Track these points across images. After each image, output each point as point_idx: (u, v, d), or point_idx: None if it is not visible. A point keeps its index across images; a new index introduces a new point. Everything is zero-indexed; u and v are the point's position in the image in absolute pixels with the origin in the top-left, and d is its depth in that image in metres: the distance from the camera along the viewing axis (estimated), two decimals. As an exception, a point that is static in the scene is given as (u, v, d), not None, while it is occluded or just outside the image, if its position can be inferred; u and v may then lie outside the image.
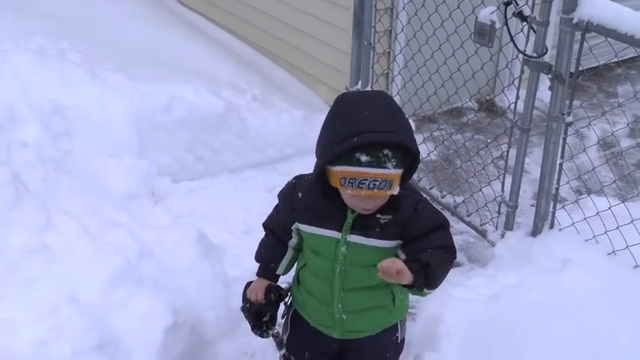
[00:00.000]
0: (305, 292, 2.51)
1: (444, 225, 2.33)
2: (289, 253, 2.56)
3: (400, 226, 2.27)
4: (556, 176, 3.82)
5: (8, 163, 3.85)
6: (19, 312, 2.94)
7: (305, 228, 2.37)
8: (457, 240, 4.27)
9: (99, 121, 4.39)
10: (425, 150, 4.75)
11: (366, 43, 4.75)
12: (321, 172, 2.18)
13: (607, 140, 5.19)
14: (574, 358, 2.85)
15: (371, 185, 2.08)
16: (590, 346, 2.93)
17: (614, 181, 4.34)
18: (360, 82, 4.91)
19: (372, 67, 4.88)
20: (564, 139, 3.73)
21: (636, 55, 6.03)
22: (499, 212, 4.18)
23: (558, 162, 3.77)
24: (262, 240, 2.61)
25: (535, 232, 3.94)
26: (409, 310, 2.65)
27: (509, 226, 4.11)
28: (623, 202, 3.66)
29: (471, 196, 4.41)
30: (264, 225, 2.59)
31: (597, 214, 3.58)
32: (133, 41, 5.46)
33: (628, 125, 4.59)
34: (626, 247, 3.40)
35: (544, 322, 3.13)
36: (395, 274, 2.11)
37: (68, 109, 4.38)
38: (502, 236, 4.08)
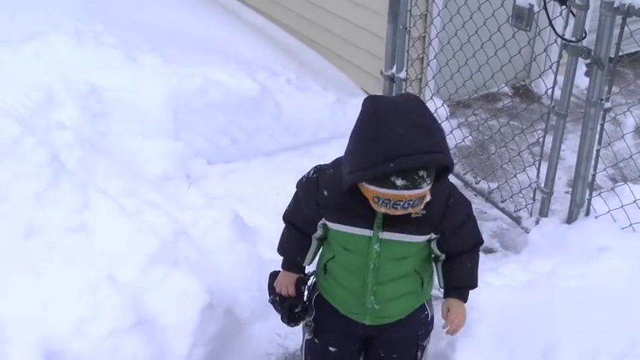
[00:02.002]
0: (334, 283, 2.49)
1: (471, 213, 2.44)
2: (314, 245, 2.54)
3: (433, 221, 2.28)
4: (592, 163, 3.78)
5: (47, 144, 3.90)
6: (58, 290, 2.99)
7: (334, 226, 2.34)
8: (491, 227, 4.29)
9: (135, 103, 4.43)
10: (460, 135, 4.73)
11: (401, 27, 4.72)
12: (352, 185, 2.12)
13: (643, 127, 5.11)
14: (609, 346, 2.82)
15: (406, 205, 2.08)
16: (626, 334, 2.90)
17: (652, 168, 4.27)
18: (395, 67, 4.89)
19: (407, 52, 4.85)
20: (602, 125, 3.69)
21: (676, 40, 5.92)
22: (534, 199, 4.16)
23: (595, 148, 3.74)
24: (284, 233, 2.58)
25: (570, 219, 3.91)
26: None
27: (543, 212, 4.08)
28: (661, 189, 3.62)
29: (506, 182, 4.38)
30: (285, 218, 2.56)
31: (634, 201, 3.55)
32: (168, 24, 5.48)
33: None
34: (664, 236, 3.37)
35: (578, 310, 3.11)
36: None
37: (104, 91, 4.43)
38: (536, 223, 4.06)
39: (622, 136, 4.06)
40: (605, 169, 3.98)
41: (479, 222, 4.26)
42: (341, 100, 5.00)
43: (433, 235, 2.34)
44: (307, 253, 2.54)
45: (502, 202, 4.32)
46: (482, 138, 4.96)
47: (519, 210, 4.23)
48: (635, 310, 2.97)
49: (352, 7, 5.35)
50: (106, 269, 3.14)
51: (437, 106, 4.79)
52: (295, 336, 3.30)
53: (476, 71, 4.50)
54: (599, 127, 3.70)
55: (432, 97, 4.87)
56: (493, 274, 3.49)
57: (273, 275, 2.62)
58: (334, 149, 4.73)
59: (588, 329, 2.94)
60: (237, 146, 4.52)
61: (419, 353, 2.59)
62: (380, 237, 2.26)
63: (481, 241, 2.49)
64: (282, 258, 2.61)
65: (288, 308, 2.55)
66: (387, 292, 2.41)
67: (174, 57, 4.82)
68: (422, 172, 2.00)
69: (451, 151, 4.39)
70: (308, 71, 5.36)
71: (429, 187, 2.06)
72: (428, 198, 2.12)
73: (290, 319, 2.56)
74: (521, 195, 4.26)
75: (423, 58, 5.09)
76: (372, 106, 2.06)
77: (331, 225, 2.34)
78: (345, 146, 2.12)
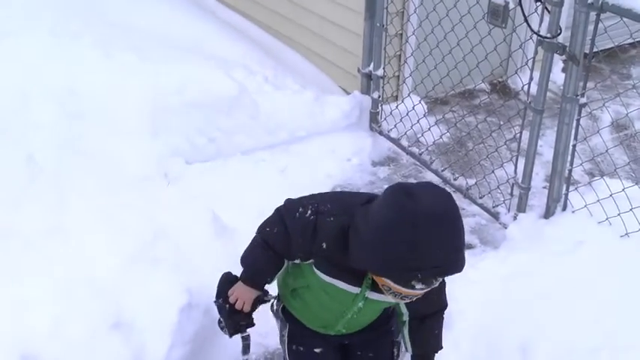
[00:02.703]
0: (303, 306, 2.44)
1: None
2: (284, 266, 2.41)
3: None
4: (569, 158, 3.81)
5: (22, 144, 3.88)
6: (35, 291, 2.98)
7: (322, 276, 2.24)
8: (470, 222, 4.31)
9: (112, 102, 4.41)
10: (437, 132, 4.74)
11: (378, 25, 4.73)
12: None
13: (620, 122, 5.16)
14: (586, 338, 2.85)
15: (414, 299, 2.08)
16: (602, 326, 2.94)
17: (628, 163, 4.32)
18: (372, 64, 4.90)
19: (385, 49, 4.86)
20: (578, 120, 3.71)
21: (651, 36, 5.99)
22: (511, 194, 4.18)
23: (571, 143, 3.76)
24: (257, 251, 2.36)
25: (547, 214, 3.94)
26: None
27: (521, 208, 4.10)
28: (636, 183, 3.65)
29: (484, 178, 4.40)
30: (263, 239, 2.33)
31: (610, 195, 3.57)
32: (144, 23, 5.45)
33: (643, 107, 4.54)
34: (640, 229, 3.40)
35: (556, 304, 3.14)
36: None
37: (81, 91, 4.40)
38: (514, 218, 4.08)
39: (598, 131, 4.08)
40: (581, 164, 4.01)
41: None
42: (319, 99, 5.00)
43: None
44: (276, 274, 2.43)
45: (480, 198, 4.35)
46: (459, 134, 4.98)
47: (497, 206, 4.25)
48: (611, 303, 3.01)
49: (329, 4, 5.35)
50: (84, 270, 3.13)
51: (414, 103, 4.81)
52: (276, 335, 3.30)
53: (452, 68, 4.52)
54: (575, 122, 3.72)
55: (409, 95, 4.88)
56: (472, 269, 3.51)
57: (229, 280, 2.49)
58: (313, 147, 4.78)
59: (566, 322, 2.97)
60: (215, 145, 4.51)
61: (395, 350, 2.59)
62: (366, 296, 2.23)
63: (446, 305, 2.47)
64: (245, 269, 2.44)
65: (236, 320, 2.48)
66: (360, 322, 2.45)
67: (152, 56, 4.80)
68: (440, 277, 2.01)
69: (429, 148, 4.47)
70: (286, 69, 5.36)
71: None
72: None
73: (231, 328, 2.50)
74: (499, 191, 4.28)
75: (400, 55, 5.10)
76: (409, 209, 1.90)
77: (318, 273, 2.24)
78: (359, 215, 2.03)
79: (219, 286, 2.52)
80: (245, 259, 2.42)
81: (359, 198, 2.18)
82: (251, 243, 2.40)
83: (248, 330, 2.55)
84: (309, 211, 2.18)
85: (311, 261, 2.24)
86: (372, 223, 1.97)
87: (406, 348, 2.55)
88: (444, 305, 2.46)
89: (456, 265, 1.95)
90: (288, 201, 2.31)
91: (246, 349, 2.58)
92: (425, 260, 1.90)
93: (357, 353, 2.59)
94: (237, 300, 2.44)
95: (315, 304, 2.38)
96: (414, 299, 2.10)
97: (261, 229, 2.35)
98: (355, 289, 2.21)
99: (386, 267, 1.97)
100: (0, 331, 2.77)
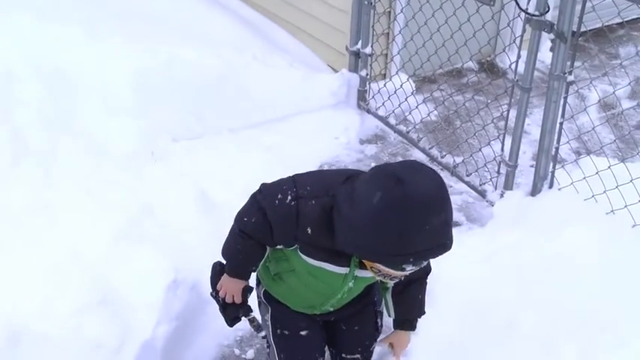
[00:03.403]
0: (287, 290, 2.39)
1: None
2: (267, 252, 2.31)
3: None
4: (556, 136, 3.82)
5: (8, 122, 3.85)
6: (22, 269, 2.97)
7: (308, 260, 2.18)
8: (456, 200, 4.32)
9: (98, 80, 4.37)
10: (425, 110, 4.74)
11: (366, 2, 4.71)
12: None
13: (608, 102, 5.18)
14: (570, 314, 2.88)
15: (402, 278, 2.08)
16: (586, 302, 2.96)
17: (614, 141, 4.34)
18: (360, 42, 4.89)
19: (373, 27, 4.84)
20: (565, 98, 3.72)
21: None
22: (498, 172, 4.19)
23: (559, 121, 3.77)
24: (238, 242, 2.26)
25: (534, 191, 3.95)
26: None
27: (508, 185, 4.12)
28: (622, 161, 3.66)
29: (471, 156, 4.41)
30: (242, 230, 2.22)
31: (597, 173, 3.58)
32: (132, 1, 5.40)
33: (630, 84, 4.56)
34: (625, 207, 3.41)
35: (542, 281, 3.15)
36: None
37: (68, 69, 4.36)
38: (501, 196, 4.09)
39: (585, 109, 4.09)
40: (568, 142, 4.02)
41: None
42: (307, 77, 4.98)
43: None
44: (261, 262, 2.33)
45: (467, 175, 4.36)
46: (447, 113, 4.98)
47: (484, 183, 4.27)
48: (596, 279, 3.03)
49: (317, -18, 5.33)
50: (71, 247, 3.12)
51: (402, 82, 4.80)
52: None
53: (440, 46, 4.51)
54: (562, 100, 3.73)
55: (397, 73, 4.87)
56: (458, 246, 3.44)
57: (218, 271, 2.44)
58: (300, 125, 4.77)
59: (551, 299, 2.99)
60: (203, 123, 4.49)
61: (379, 320, 2.60)
62: (356, 274, 2.21)
63: (430, 270, 2.43)
64: (227, 262, 2.38)
65: (232, 314, 2.46)
66: (347, 301, 2.42)
67: (139, 34, 4.77)
68: (430, 259, 2.00)
69: (417, 126, 4.46)
70: (273, 48, 5.33)
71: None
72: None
73: (231, 322, 2.49)
74: (486, 169, 4.29)
75: (388, 33, 5.08)
76: (400, 194, 1.86)
77: (304, 257, 2.18)
78: (343, 194, 1.97)
79: (211, 278, 2.48)
80: (226, 252, 2.34)
81: (339, 176, 2.10)
82: (230, 234, 2.31)
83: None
84: (289, 197, 2.09)
85: (295, 246, 2.18)
86: (362, 208, 1.91)
87: (388, 314, 2.53)
88: (427, 270, 2.42)
89: (445, 246, 1.92)
90: (264, 186, 2.19)
91: (257, 328, 2.57)
92: (417, 245, 1.87)
93: (342, 328, 2.59)
94: (226, 294, 2.40)
95: (302, 288, 2.33)
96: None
97: (239, 219, 2.25)
98: (344, 270, 2.17)
99: (377, 253, 1.94)
100: (-13, 308, 2.77)
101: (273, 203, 2.11)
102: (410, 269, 1.96)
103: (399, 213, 1.85)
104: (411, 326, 2.54)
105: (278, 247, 2.25)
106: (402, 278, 2.10)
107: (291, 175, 2.21)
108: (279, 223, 2.12)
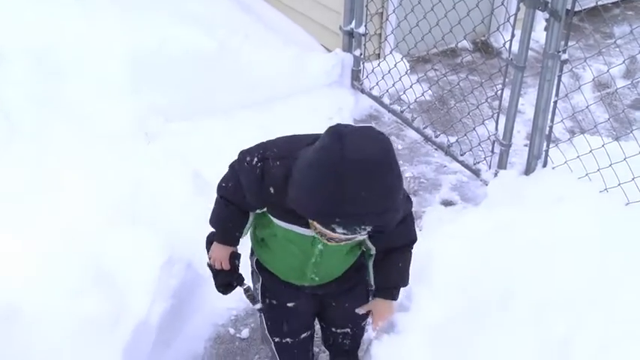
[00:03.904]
0: (272, 256, 2.45)
1: (409, 212, 2.37)
2: (251, 218, 2.41)
3: None
4: (550, 115, 3.82)
5: (-1, 101, 3.82)
6: (15, 247, 2.96)
7: (278, 222, 2.25)
8: (451, 179, 4.33)
9: (90, 60, 4.34)
10: (419, 90, 4.73)
11: (360, -19, 4.69)
12: None
13: (602, 81, 5.17)
14: (564, 291, 2.88)
15: (338, 241, 2.06)
16: (579, 280, 2.96)
17: (608, 119, 4.33)
18: (354, 22, 4.86)
19: (367, 6, 4.82)
20: (559, 76, 3.71)
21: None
22: (492, 151, 4.19)
23: (553, 100, 3.76)
24: (219, 207, 2.40)
25: (528, 170, 3.96)
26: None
27: (502, 164, 4.12)
28: (616, 139, 3.66)
29: (465, 135, 4.41)
30: (222, 196, 2.37)
31: (590, 152, 3.59)
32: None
33: (624, 62, 4.55)
34: (619, 185, 3.42)
35: (535, 259, 3.15)
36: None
37: (59, 48, 4.33)
38: (495, 175, 4.10)
39: (579, 87, 4.08)
40: (562, 121, 4.01)
41: (439, 176, 4.34)
42: (300, 57, 4.96)
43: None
44: (245, 227, 2.43)
45: (461, 155, 4.36)
46: (441, 92, 4.98)
47: (478, 163, 4.27)
48: (589, 256, 3.03)
49: (311, -39, 5.29)
50: (64, 227, 3.11)
51: (396, 61, 4.78)
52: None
53: (435, 25, 4.49)
54: (556, 78, 3.72)
55: (391, 52, 4.85)
56: (452, 225, 3.53)
57: (210, 241, 2.54)
58: (294, 105, 4.75)
59: (545, 275, 2.99)
60: (196, 103, 4.46)
61: (370, 298, 2.60)
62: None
63: (415, 239, 2.44)
64: (215, 229, 2.50)
65: (222, 280, 2.54)
66: (328, 268, 2.43)
67: (131, 13, 4.73)
68: (364, 226, 1.91)
69: (411, 106, 4.44)
70: (267, 27, 5.30)
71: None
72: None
73: (222, 289, 2.57)
74: (481, 148, 4.29)
75: (382, 12, 5.06)
76: (335, 152, 1.84)
77: (274, 219, 2.25)
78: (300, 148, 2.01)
79: (206, 249, 2.56)
80: (211, 220, 2.46)
81: (307, 138, 2.10)
82: (214, 203, 2.43)
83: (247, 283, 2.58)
84: (256, 159, 2.17)
85: (267, 211, 2.25)
86: (301, 163, 1.95)
87: (370, 284, 2.54)
88: (410, 239, 2.43)
89: (379, 217, 1.88)
90: (240, 152, 2.29)
91: (251, 299, 2.59)
92: (342, 206, 1.85)
93: (332, 304, 2.61)
94: (215, 261, 2.50)
95: (281, 252, 2.39)
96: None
97: (219, 187, 2.38)
98: (312, 232, 2.15)
99: (305, 207, 1.95)
100: (-20, 286, 2.76)
101: (243, 166, 2.22)
102: (342, 232, 1.92)
103: (329, 170, 1.85)
104: (391, 295, 2.53)
105: (257, 211, 2.32)
106: (367, 236, 2.09)
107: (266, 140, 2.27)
108: (246, 184, 2.21)
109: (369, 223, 1.90)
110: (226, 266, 2.50)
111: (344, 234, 1.93)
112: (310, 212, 1.96)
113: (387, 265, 2.45)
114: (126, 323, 2.79)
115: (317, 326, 2.75)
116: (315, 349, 2.98)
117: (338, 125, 1.94)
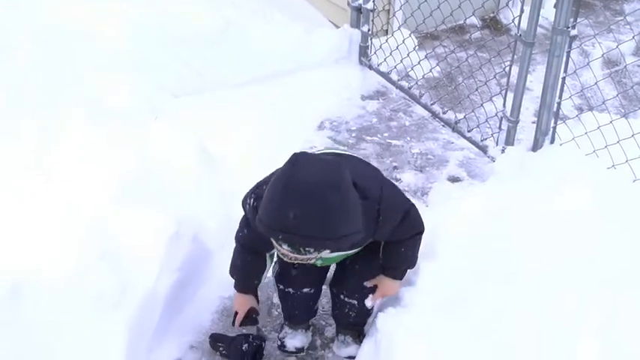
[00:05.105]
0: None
1: (407, 210, 2.46)
2: (268, 262, 2.66)
3: (367, 237, 2.37)
4: (558, 91, 3.79)
5: (3, 80, 3.82)
6: (23, 224, 2.97)
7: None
8: (458, 156, 4.32)
9: (97, 37, 4.34)
10: (427, 66, 4.70)
11: (368, -44, 4.65)
12: None
13: (611, 58, 5.13)
14: (571, 267, 2.88)
15: (295, 260, 2.15)
16: (586, 257, 2.96)
17: (616, 96, 4.30)
18: (361, -3, 4.83)
19: (375, -18, 4.79)
20: (568, 52, 3.68)
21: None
22: (500, 128, 4.17)
23: (561, 76, 3.74)
24: (237, 257, 2.66)
25: (535, 146, 3.94)
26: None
27: (509, 141, 4.10)
28: (624, 116, 3.64)
29: (472, 112, 4.39)
30: (238, 241, 2.62)
31: (598, 128, 3.57)
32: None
33: (633, 38, 4.50)
34: (626, 161, 3.41)
35: (542, 234, 3.15)
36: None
37: (65, 26, 4.32)
38: (502, 151, 4.08)
39: (588, 63, 4.05)
40: (570, 97, 3.99)
41: (446, 152, 4.33)
42: (308, 32, 4.94)
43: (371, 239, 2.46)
44: (262, 274, 2.70)
45: (469, 131, 4.34)
46: (449, 69, 4.95)
47: (486, 139, 4.25)
48: (596, 233, 3.03)
49: (318, -64, 5.25)
50: (71, 203, 3.11)
51: (404, 37, 4.75)
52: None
53: (443, 1, 4.45)
54: (565, 55, 3.69)
55: (399, 28, 4.82)
56: (459, 202, 3.52)
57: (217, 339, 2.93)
58: (301, 81, 4.74)
59: (551, 252, 2.99)
60: (203, 79, 4.46)
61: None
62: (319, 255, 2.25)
63: (421, 230, 2.57)
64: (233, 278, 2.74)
65: (238, 322, 2.80)
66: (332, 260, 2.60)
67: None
68: (308, 248, 2.05)
69: (419, 82, 4.41)
70: (273, 3, 5.27)
71: (321, 254, 2.11)
72: (326, 255, 2.19)
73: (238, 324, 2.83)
74: (488, 124, 4.27)
75: (390, -12, 5.03)
76: (290, 173, 2.02)
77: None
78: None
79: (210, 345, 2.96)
80: (231, 269, 2.71)
81: None
82: (232, 253, 2.68)
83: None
84: (252, 198, 2.32)
85: None
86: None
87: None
88: (418, 231, 2.57)
89: (310, 241, 2.01)
90: (242, 199, 2.46)
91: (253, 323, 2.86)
92: (284, 221, 1.97)
93: (345, 262, 2.69)
94: (234, 310, 2.79)
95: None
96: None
97: (235, 237, 2.62)
98: None
99: (259, 220, 2.07)
100: (-11, 262, 2.78)
101: (246, 208, 2.42)
102: (288, 250, 2.05)
103: (279, 189, 2.00)
104: (396, 275, 2.69)
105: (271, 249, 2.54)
106: (295, 261, 2.16)
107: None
108: (252, 223, 2.30)
109: (296, 245, 2.03)
110: (240, 317, 2.77)
111: (291, 252, 2.06)
112: (262, 225, 2.06)
113: (396, 249, 2.58)
114: (132, 297, 2.79)
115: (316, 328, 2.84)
116: (318, 343, 3.01)
117: (301, 152, 2.10)
